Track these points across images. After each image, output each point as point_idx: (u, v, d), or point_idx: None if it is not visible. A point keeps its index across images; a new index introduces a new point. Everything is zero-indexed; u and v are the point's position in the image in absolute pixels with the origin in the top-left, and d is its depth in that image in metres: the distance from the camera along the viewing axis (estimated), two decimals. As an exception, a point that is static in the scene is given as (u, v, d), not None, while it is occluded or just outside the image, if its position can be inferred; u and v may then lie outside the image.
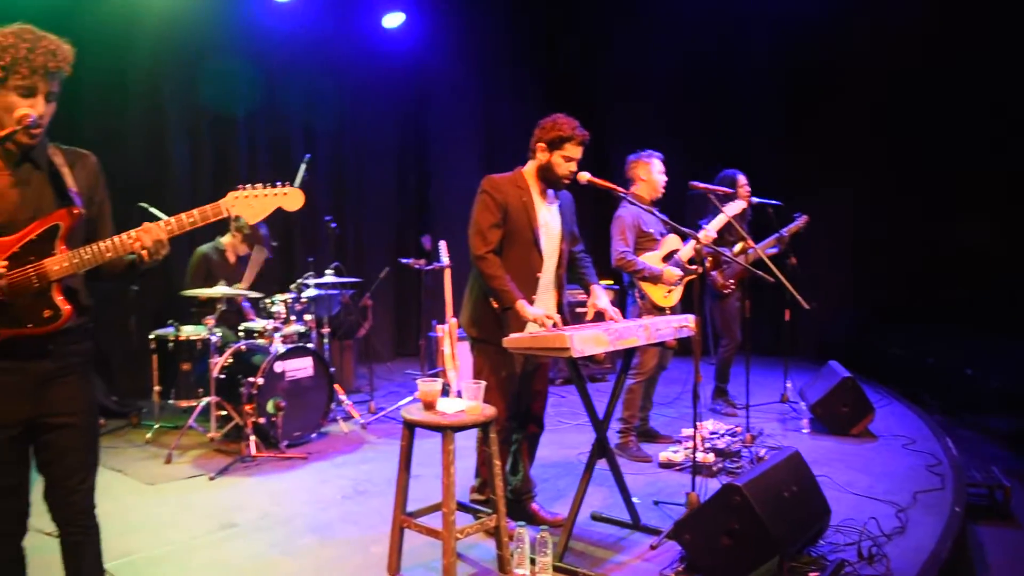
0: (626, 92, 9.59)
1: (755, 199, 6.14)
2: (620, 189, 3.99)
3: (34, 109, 2.30)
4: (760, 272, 4.42)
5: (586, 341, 3.33)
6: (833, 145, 8.58)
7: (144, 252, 2.44)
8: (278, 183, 2.65)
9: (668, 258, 5.25)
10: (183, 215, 2.48)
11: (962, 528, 4.20)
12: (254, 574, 3.55)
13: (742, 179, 6.16)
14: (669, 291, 5.20)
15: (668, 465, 4.98)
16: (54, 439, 2.47)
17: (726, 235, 5.96)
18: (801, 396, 6.39)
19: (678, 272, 5.17)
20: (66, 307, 2.41)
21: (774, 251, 6.20)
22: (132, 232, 2.43)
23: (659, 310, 5.13)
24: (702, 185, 5.05)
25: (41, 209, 2.40)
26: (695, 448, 4.01)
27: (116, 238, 2.43)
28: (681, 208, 6.60)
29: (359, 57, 8.37)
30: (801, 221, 6.29)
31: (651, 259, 5.18)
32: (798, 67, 8.85)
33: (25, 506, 2.53)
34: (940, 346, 7.53)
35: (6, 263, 2.32)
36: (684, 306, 5.23)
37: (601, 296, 3.99)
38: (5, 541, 2.51)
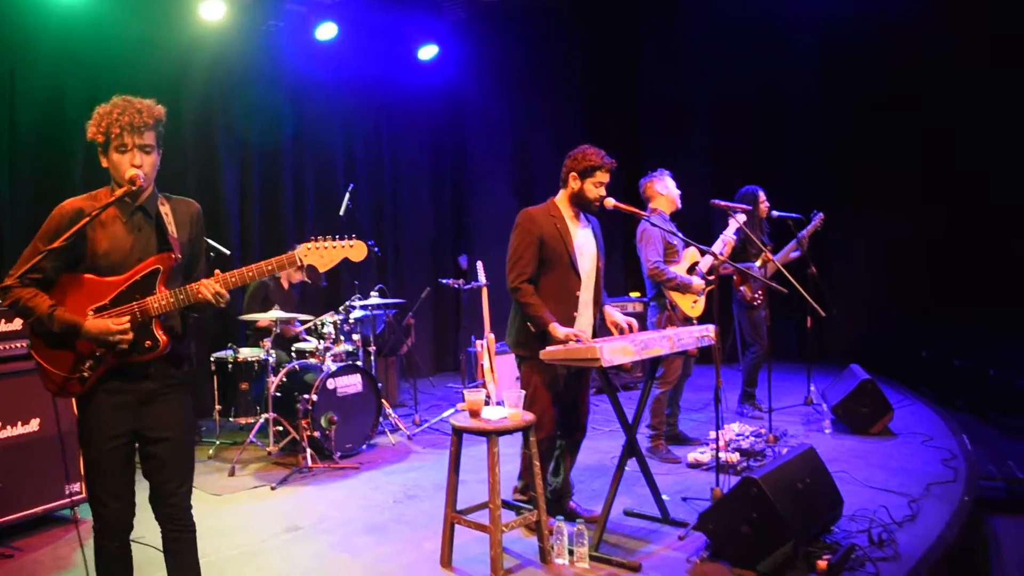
0: (662, 117, 9.93)
1: (775, 213, 6.50)
2: (642, 212, 4.37)
3: (133, 162, 2.72)
4: (776, 285, 4.74)
5: (615, 352, 3.70)
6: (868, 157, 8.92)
7: (219, 301, 2.84)
8: (346, 237, 3.02)
9: (691, 270, 5.61)
10: (263, 263, 2.88)
11: (973, 517, 4.49)
12: (320, 571, 3.93)
13: (762, 195, 6.50)
14: (695, 301, 5.54)
15: (696, 465, 5.31)
16: (155, 451, 2.90)
17: (750, 248, 6.30)
18: (823, 398, 6.68)
19: (701, 284, 5.52)
20: (163, 338, 2.82)
21: (797, 254, 6.56)
22: (206, 282, 2.81)
23: (687, 320, 5.48)
24: (723, 203, 5.43)
25: (148, 253, 2.83)
26: (718, 448, 4.35)
27: (191, 285, 2.81)
28: (709, 226, 6.91)
29: (396, 89, 8.86)
30: (817, 220, 6.61)
31: (678, 270, 5.55)
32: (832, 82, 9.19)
33: (131, 506, 2.95)
34: (971, 349, 7.76)
35: (112, 306, 2.76)
36: (703, 316, 5.57)
37: (614, 313, 4.37)
38: (116, 536, 2.93)
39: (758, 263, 6.28)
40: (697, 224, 5.84)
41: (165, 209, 2.91)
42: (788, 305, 6.15)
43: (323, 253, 2.97)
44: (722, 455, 5.16)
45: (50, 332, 2.73)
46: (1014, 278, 7.87)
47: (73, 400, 2.92)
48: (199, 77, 7.25)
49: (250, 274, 2.85)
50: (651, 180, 5.64)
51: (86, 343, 2.75)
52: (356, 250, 3.02)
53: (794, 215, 6.55)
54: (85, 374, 2.77)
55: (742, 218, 5.53)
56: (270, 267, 2.89)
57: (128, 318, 2.76)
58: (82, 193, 2.87)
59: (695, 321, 5.48)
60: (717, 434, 4.29)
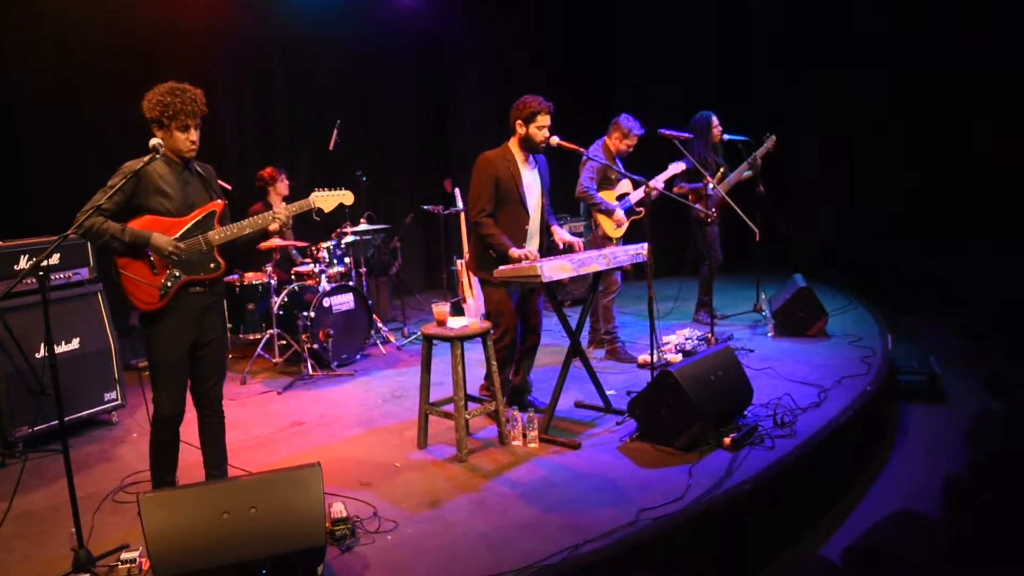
0: (638, 44, 10.34)
1: (726, 136, 7.15)
2: (580, 148, 5.05)
3: (191, 139, 3.60)
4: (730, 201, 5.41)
5: (554, 269, 4.43)
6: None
7: (279, 223, 3.79)
8: (341, 187, 4.12)
9: (620, 198, 6.40)
10: (292, 205, 3.89)
11: (877, 405, 5.25)
12: (319, 454, 4.74)
13: (715, 120, 7.12)
14: (619, 224, 6.34)
15: (644, 365, 6.09)
16: (203, 353, 3.76)
17: (706, 169, 6.96)
18: (768, 305, 7.42)
19: (621, 211, 6.31)
20: (223, 262, 3.74)
21: (748, 174, 7.22)
22: (267, 215, 3.76)
23: (607, 240, 6.27)
24: (668, 132, 6.16)
25: (200, 200, 3.71)
26: (652, 350, 5.10)
27: (251, 219, 3.75)
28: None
29: (380, 26, 9.36)
30: (769, 142, 7.21)
31: (607, 197, 6.30)
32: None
33: (184, 403, 3.75)
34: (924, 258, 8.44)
35: (181, 239, 3.60)
36: (637, 236, 6.30)
37: (561, 232, 5.11)
38: (171, 427, 3.73)
39: (712, 184, 6.94)
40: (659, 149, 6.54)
41: (200, 170, 3.78)
42: (737, 221, 6.87)
43: (327, 199, 4.05)
44: (668, 355, 5.98)
45: (124, 249, 3.50)
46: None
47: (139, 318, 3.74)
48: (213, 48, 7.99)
49: (287, 212, 3.83)
50: (617, 123, 6.31)
51: (164, 268, 3.55)
52: (348, 196, 4.14)
53: (743, 137, 7.19)
54: (168, 284, 3.58)
55: (679, 167, 6.24)
56: (291, 210, 3.86)
57: (189, 241, 3.60)
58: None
59: (615, 241, 6.26)
60: (652, 338, 5.03)
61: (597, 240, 6.31)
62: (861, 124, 9.24)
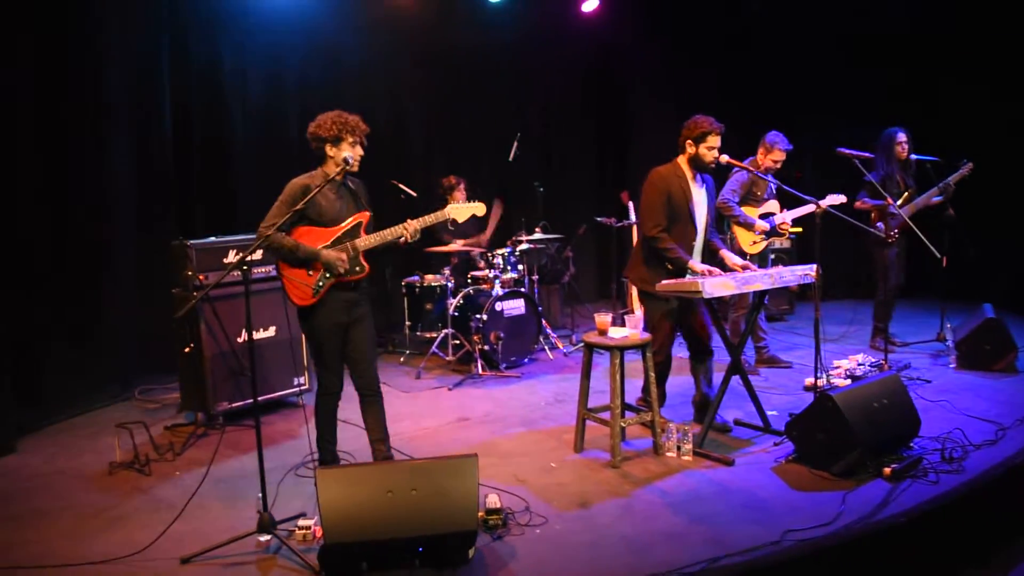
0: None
1: (915, 156, 6.86)
2: (744, 165, 5.18)
3: (356, 154, 4.14)
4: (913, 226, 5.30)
5: (716, 286, 4.49)
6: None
7: (407, 236, 4.19)
8: (474, 200, 4.58)
9: (764, 216, 6.38)
10: (429, 216, 4.29)
11: None
12: (481, 449, 5.02)
13: (900, 136, 6.85)
14: (755, 241, 6.33)
15: (810, 388, 5.97)
16: (354, 338, 4.25)
17: (890, 187, 6.72)
18: (953, 334, 7.03)
19: (766, 226, 6.30)
20: (367, 266, 4.17)
21: (938, 200, 6.86)
22: (399, 227, 4.17)
23: (741, 254, 6.20)
24: (848, 151, 6.02)
25: (351, 212, 4.20)
26: (816, 372, 5.03)
27: (391, 229, 4.17)
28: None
29: (559, 39, 9.64)
30: (965, 169, 6.79)
31: (749, 213, 6.33)
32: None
33: (342, 377, 4.33)
34: None
35: (331, 246, 4.13)
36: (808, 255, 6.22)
37: (730, 256, 5.14)
38: (331, 397, 4.31)
39: (899, 202, 6.68)
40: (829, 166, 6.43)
41: (353, 185, 4.29)
42: (944, 243, 6.61)
43: (460, 210, 4.49)
44: (836, 380, 5.85)
45: (296, 261, 4.07)
46: None
47: (296, 311, 4.30)
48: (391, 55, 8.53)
49: (417, 225, 4.23)
50: (763, 140, 6.37)
51: (318, 269, 4.08)
52: (480, 208, 4.54)
53: (932, 158, 6.83)
54: (320, 284, 4.10)
55: (839, 199, 6.07)
56: (427, 220, 4.26)
57: (346, 253, 4.10)
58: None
59: (749, 256, 6.19)
60: (816, 360, 4.97)
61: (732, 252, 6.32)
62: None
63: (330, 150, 4.12)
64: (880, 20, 9.43)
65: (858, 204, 6.84)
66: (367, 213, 4.26)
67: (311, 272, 4.10)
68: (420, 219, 4.25)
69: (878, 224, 6.88)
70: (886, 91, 9.40)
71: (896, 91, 9.32)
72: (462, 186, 7.51)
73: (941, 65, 9.29)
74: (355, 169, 4.18)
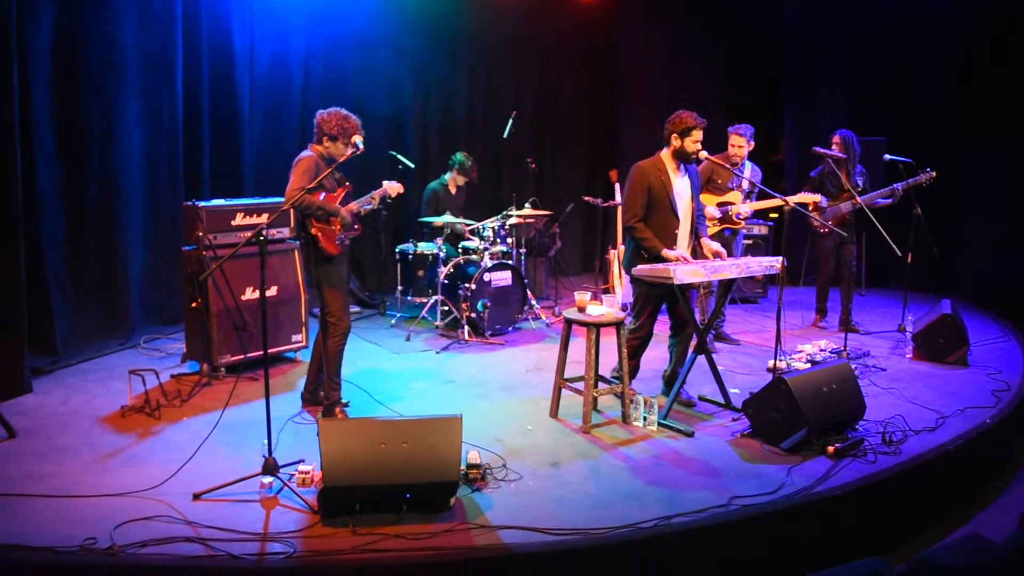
0: (804, 53, 10.34)
1: (887, 156, 7.26)
2: (727, 165, 5.55)
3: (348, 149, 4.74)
4: (835, 227, 5.72)
5: (686, 273, 4.90)
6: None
7: (374, 204, 5.23)
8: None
9: (720, 205, 6.85)
10: (367, 197, 5.26)
11: (994, 438, 5.25)
12: (465, 410, 5.25)
13: (838, 138, 7.26)
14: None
15: (772, 370, 6.41)
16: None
17: (829, 186, 7.22)
18: (913, 327, 7.46)
19: (717, 214, 6.80)
20: (359, 225, 5.00)
21: (887, 202, 7.29)
22: (366, 196, 5.12)
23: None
24: (821, 150, 6.47)
25: (339, 184, 4.93)
26: (775, 356, 5.46)
27: (363, 197, 5.13)
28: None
29: (557, 23, 9.96)
30: (924, 176, 7.18)
31: (707, 200, 6.77)
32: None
33: (349, 316, 4.93)
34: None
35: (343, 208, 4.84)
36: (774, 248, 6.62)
37: (709, 243, 5.52)
38: (346, 336, 5.14)
39: (821, 200, 7.13)
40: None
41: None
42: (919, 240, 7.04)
43: (394, 188, 5.50)
44: (797, 363, 6.29)
45: (324, 216, 4.88)
46: None
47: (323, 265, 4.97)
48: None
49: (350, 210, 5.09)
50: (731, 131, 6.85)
51: (335, 225, 4.93)
52: (393, 189, 5.52)
53: (905, 159, 7.22)
54: (343, 237, 5.00)
55: (806, 198, 6.72)
56: (370, 199, 5.30)
57: (349, 213, 4.94)
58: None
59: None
60: (776, 345, 5.39)
61: None
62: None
63: (326, 141, 4.93)
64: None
65: (797, 197, 7.21)
66: (349, 185, 5.20)
67: (335, 229, 4.94)
68: (369, 195, 5.29)
69: (812, 213, 7.23)
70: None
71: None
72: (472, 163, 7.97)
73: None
74: (342, 160, 4.88)
